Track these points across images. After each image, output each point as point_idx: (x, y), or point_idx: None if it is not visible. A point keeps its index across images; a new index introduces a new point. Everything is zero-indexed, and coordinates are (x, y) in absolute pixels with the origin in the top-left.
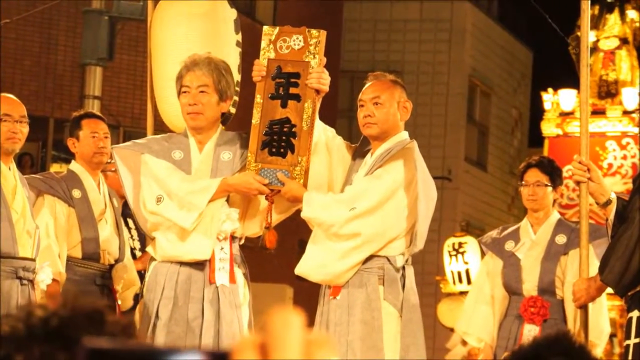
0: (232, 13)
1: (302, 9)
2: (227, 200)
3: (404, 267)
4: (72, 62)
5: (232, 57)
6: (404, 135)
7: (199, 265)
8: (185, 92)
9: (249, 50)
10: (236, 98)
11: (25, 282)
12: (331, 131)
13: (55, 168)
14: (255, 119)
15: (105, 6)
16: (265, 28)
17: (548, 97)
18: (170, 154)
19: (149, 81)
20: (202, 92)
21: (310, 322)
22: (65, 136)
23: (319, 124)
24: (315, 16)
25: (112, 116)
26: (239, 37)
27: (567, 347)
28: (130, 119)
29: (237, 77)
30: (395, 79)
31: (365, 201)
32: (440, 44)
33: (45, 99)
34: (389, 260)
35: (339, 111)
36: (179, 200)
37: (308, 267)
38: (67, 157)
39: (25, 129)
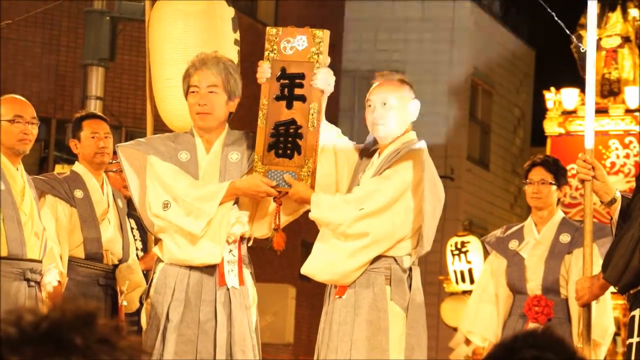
0: (230, 11)
1: (304, 8)
2: (236, 203)
3: (410, 268)
4: (74, 62)
5: (230, 56)
6: (412, 135)
7: (209, 268)
8: (194, 92)
9: (251, 49)
10: None
11: (32, 283)
12: (337, 131)
13: (57, 169)
14: (261, 121)
15: (107, 7)
16: (269, 29)
17: (550, 96)
18: (176, 155)
19: (147, 81)
20: (211, 92)
21: (312, 322)
22: (67, 137)
23: (324, 124)
24: (316, 15)
25: (114, 117)
26: (237, 35)
27: (543, 341)
28: (132, 120)
29: None
30: (403, 78)
31: (374, 201)
32: (442, 43)
33: (47, 100)
34: (396, 260)
35: (341, 110)
36: (187, 207)
37: (315, 266)
38: (70, 158)
39: (35, 130)
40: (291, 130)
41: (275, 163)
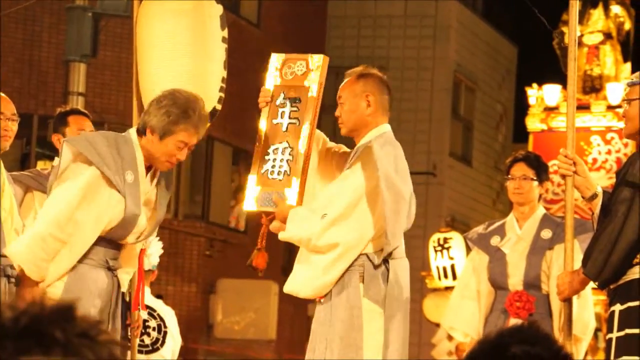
0: (218, 9)
1: (287, 5)
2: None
3: (387, 261)
4: (56, 58)
5: (218, 54)
6: (383, 128)
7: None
8: (182, 147)
9: (234, 46)
10: (222, 94)
11: (12, 280)
12: (337, 147)
13: (39, 166)
14: (259, 142)
15: (89, 3)
16: (274, 55)
17: (532, 93)
18: (124, 174)
19: (134, 78)
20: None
21: (295, 318)
22: (49, 133)
23: (320, 136)
24: (300, 12)
25: (97, 113)
26: (225, 33)
27: (531, 336)
28: (115, 116)
29: (223, 73)
30: (363, 72)
31: (335, 206)
32: (425, 40)
33: (29, 95)
34: (368, 257)
35: (324, 107)
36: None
37: (295, 284)
38: (52, 154)
39: (15, 127)
40: (284, 153)
41: (269, 184)
